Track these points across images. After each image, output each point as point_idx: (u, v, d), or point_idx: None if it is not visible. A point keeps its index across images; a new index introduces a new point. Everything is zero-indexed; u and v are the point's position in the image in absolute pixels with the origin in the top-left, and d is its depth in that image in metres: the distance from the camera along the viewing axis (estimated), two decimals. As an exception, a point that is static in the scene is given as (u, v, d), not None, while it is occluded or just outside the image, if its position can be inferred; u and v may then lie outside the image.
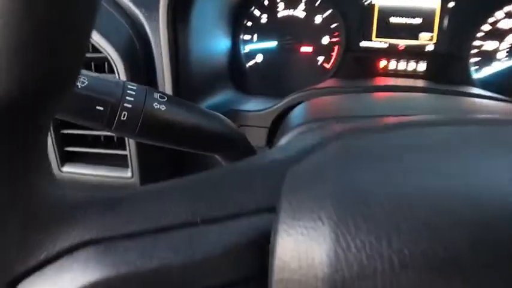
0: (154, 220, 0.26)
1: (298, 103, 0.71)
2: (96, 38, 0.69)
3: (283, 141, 0.49)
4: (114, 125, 0.42)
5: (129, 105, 0.41)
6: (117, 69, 0.68)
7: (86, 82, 0.40)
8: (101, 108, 0.40)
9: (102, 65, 0.73)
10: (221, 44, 0.93)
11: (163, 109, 0.43)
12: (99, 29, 0.69)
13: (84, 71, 0.42)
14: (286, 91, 0.81)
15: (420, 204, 0.20)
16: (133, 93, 0.42)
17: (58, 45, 0.23)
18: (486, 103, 0.62)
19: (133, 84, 0.43)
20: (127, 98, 0.41)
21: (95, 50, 0.69)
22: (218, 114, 0.51)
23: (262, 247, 0.24)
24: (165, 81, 0.70)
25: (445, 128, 0.29)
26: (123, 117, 0.41)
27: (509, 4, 0.91)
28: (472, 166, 0.24)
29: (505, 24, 0.92)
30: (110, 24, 0.72)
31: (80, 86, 0.40)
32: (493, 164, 0.23)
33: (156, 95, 0.43)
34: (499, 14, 0.92)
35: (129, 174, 0.76)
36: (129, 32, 0.73)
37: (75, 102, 0.40)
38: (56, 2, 0.21)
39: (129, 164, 0.75)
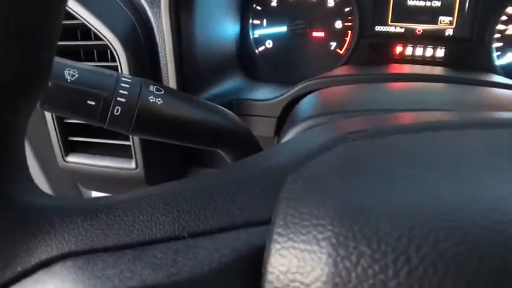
0: (136, 233, 0.24)
1: (309, 92, 0.68)
2: (97, 25, 0.66)
3: (287, 136, 0.46)
4: (107, 121, 0.39)
5: (123, 99, 0.39)
6: (118, 57, 0.66)
7: (77, 75, 0.38)
8: (93, 103, 0.38)
9: (105, 53, 0.70)
10: (229, 29, 0.90)
11: (159, 103, 0.40)
12: (100, 16, 0.67)
13: (75, 63, 0.40)
14: (297, 78, 0.77)
15: (432, 228, 0.18)
16: (128, 86, 0.39)
17: (23, 39, 0.20)
18: (509, 95, 0.58)
19: (127, 76, 0.41)
20: (120, 91, 0.39)
21: (97, 37, 0.67)
22: (220, 107, 0.48)
23: (255, 265, 0.22)
24: (169, 69, 0.68)
25: (463, 132, 0.26)
26: (117, 112, 0.39)
27: (537, -15, 0.86)
28: (487, 178, 0.21)
29: (530, 7, 0.87)
30: (111, 11, 0.69)
31: (69, 80, 0.38)
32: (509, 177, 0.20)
33: (152, 88, 0.41)
34: (525, -4, 0.87)
35: (133, 165, 0.74)
36: (131, 19, 0.70)
37: (65, 96, 0.38)
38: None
39: (133, 155, 0.73)
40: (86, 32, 0.69)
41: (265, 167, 0.26)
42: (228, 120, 0.47)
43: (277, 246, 0.20)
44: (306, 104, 0.58)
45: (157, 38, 0.70)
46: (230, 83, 0.87)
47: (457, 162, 0.23)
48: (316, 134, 0.32)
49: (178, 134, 0.43)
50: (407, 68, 0.85)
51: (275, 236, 0.20)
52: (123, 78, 0.41)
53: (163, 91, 0.41)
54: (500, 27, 0.89)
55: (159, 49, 0.70)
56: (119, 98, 0.39)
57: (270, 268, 0.20)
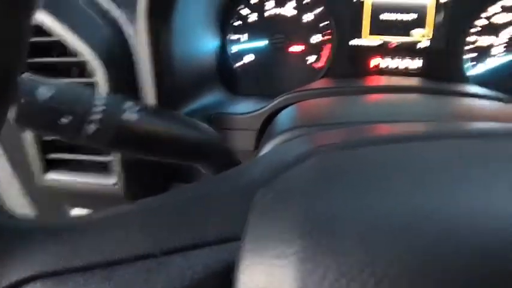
0: (107, 252, 0.23)
1: (288, 105, 0.69)
2: (75, 41, 0.66)
3: (265, 150, 0.46)
4: (82, 138, 0.39)
5: (99, 116, 0.39)
6: (96, 74, 0.66)
7: (51, 92, 0.38)
8: (67, 120, 0.38)
9: (83, 69, 0.70)
10: (208, 44, 0.90)
11: (135, 119, 0.40)
12: (77, 33, 0.67)
13: (51, 80, 0.40)
14: (277, 91, 0.78)
15: (397, 240, 0.18)
16: (103, 103, 0.39)
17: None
18: (481, 105, 0.59)
19: (103, 92, 0.41)
20: (96, 108, 0.39)
21: (74, 54, 0.66)
22: (198, 122, 0.48)
23: (227, 281, 0.22)
24: (147, 85, 0.68)
25: (433, 143, 0.27)
26: (92, 129, 0.38)
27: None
28: (454, 189, 0.21)
29: (500, 18, 0.90)
30: (89, 27, 0.69)
31: (44, 97, 0.37)
32: (481, 189, 0.21)
33: (128, 104, 0.41)
34: (494, 8, 0.89)
35: (112, 181, 0.74)
36: (110, 35, 0.70)
37: (40, 114, 0.37)
38: None
39: (113, 171, 0.72)
40: (64, 48, 0.69)
41: (239, 182, 0.26)
42: (205, 135, 0.47)
43: (247, 262, 0.20)
44: (284, 117, 0.58)
45: (135, 53, 0.70)
46: (210, 97, 0.87)
47: (425, 174, 0.23)
48: (291, 147, 0.32)
49: (156, 149, 0.43)
50: (383, 80, 0.87)
51: (244, 252, 0.20)
52: (98, 95, 0.40)
53: (139, 107, 0.41)
54: (471, 38, 0.92)
55: (137, 65, 0.70)
56: (94, 115, 0.39)
57: (240, 284, 0.20)
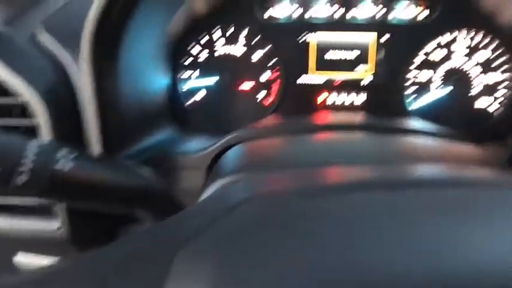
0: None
1: (235, 144, 0.70)
2: (16, 81, 0.64)
3: (204, 194, 0.47)
4: (12, 189, 0.38)
5: (29, 166, 0.37)
6: (38, 115, 0.64)
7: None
8: (-3, 171, 0.36)
9: (24, 110, 0.68)
10: (158, 82, 0.90)
11: (70, 167, 0.39)
12: (19, 73, 0.65)
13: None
14: (229, 129, 0.79)
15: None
16: (35, 152, 0.38)
17: None
18: (424, 144, 0.62)
19: (37, 141, 0.40)
20: (27, 158, 0.38)
21: (15, 94, 0.65)
22: (138, 168, 0.48)
23: None
24: (91, 126, 0.66)
25: (372, 193, 0.28)
26: (22, 180, 0.37)
27: (439, 36, 0.95)
28: (373, 247, 0.22)
29: (436, 55, 0.96)
30: (31, 68, 0.68)
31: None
32: (413, 244, 0.22)
33: (62, 153, 0.40)
34: (431, 45, 0.95)
35: (56, 225, 0.71)
36: (53, 76, 0.69)
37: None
38: None
39: (56, 215, 0.70)
40: (4, 88, 0.67)
41: (163, 239, 0.26)
42: (144, 181, 0.47)
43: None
44: (228, 158, 0.59)
45: (79, 94, 0.69)
46: (161, 136, 0.87)
47: (360, 229, 0.24)
48: (224, 196, 0.32)
49: (92, 198, 0.42)
50: (330, 116, 0.90)
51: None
52: (32, 143, 0.39)
53: (74, 155, 0.40)
54: (411, 74, 0.97)
55: (81, 106, 0.69)
56: (24, 166, 0.37)
57: None
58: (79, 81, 0.68)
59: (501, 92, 0.95)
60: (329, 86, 0.99)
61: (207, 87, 0.99)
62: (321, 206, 0.27)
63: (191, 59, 0.98)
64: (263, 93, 0.99)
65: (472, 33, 0.94)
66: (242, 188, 0.40)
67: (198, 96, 1.00)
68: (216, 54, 0.98)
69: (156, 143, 0.82)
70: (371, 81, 0.98)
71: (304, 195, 0.29)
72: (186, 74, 0.99)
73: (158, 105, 0.90)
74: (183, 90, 0.99)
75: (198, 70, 0.99)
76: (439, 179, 0.32)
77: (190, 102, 1.00)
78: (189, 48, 0.98)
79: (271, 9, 0.97)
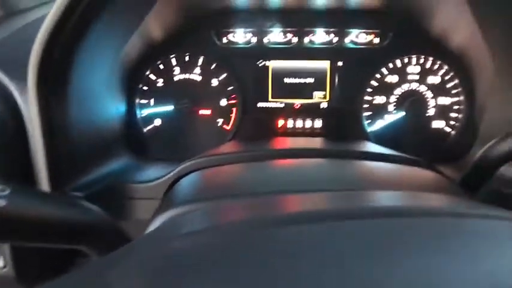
0: None
1: (193, 171, 0.68)
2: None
3: (153, 225, 0.45)
4: None
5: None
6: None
7: None
8: None
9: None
10: (114, 108, 0.88)
11: (3, 204, 0.37)
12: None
13: None
14: (188, 155, 0.77)
15: None
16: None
17: None
18: (381, 170, 0.63)
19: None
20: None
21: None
22: (80, 201, 0.46)
23: None
24: (39, 156, 0.64)
25: (315, 227, 0.27)
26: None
27: (391, 61, 0.98)
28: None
29: (390, 79, 0.98)
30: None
31: None
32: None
33: (-5, 190, 0.37)
34: (384, 71, 0.98)
35: (1, 263, 0.66)
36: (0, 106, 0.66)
37: None
38: None
39: (0, 253, 0.66)
40: None
41: (102, 274, 0.24)
42: (90, 215, 0.45)
43: None
44: (180, 188, 0.57)
45: (27, 125, 0.66)
46: (115, 165, 0.84)
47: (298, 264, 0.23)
48: (169, 229, 0.31)
49: (30, 235, 0.39)
50: (289, 142, 0.90)
51: None
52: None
53: (8, 191, 0.38)
54: (367, 98, 0.99)
55: (29, 137, 0.66)
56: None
57: None
58: (27, 111, 0.65)
59: (454, 114, 0.98)
60: (288, 111, 1.00)
61: (165, 113, 0.98)
62: (273, 238, 0.27)
63: (149, 84, 0.97)
64: (223, 118, 0.98)
65: (422, 59, 0.97)
66: (191, 220, 0.39)
67: (157, 123, 0.98)
68: (174, 79, 0.98)
69: (110, 173, 0.79)
70: (328, 106, 1.00)
71: (252, 227, 0.28)
72: (143, 100, 0.98)
73: (113, 133, 0.88)
74: (141, 116, 0.98)
75: (156, 96, 0.98)
76: (393, 210, 0.32)
77: (148, 128, 0.98)
78: (146, 74, 0.97)
79: (229, 35, 0.98)
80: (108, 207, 0.77)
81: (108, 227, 0.45)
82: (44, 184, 0.65)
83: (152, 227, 0.46)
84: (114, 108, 0.88)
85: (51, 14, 0.58)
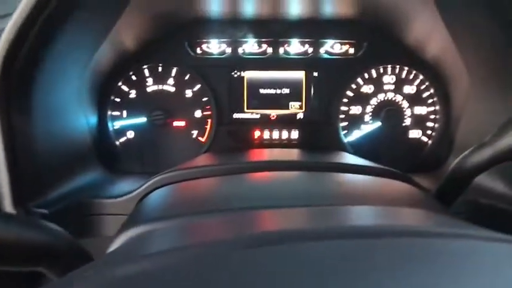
0: None
1: (164, 185, 0.66)
2: None
3: (113, 246, 0.43)
4: None
5: None
6: None
7: None
8: None
9: None
10: (83, 121, 0.85)
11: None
12: None
13: None
14: (161, 168, 0.75)
15: None
16: None
17: None
18: (358, 184, 0.61)
19: None
20: None
21: None
22: (38, 221, 0.43)
23: None
24: (1, 173, 0.60)
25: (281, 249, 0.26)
26: None
27: (366, 71, 0.97)
28: None
29: (366, 89, 0.98)
30: None
31: None
32: None
33: None
34: (360, 81, 0.98)
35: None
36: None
37: None
38: None
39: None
40: None
41: None
42: (47, 235, 0.42)
43: None
44: (147, 203, 0.55)
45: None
46: (85, 179, 0.81)
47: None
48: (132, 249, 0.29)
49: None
50: (265, 153, 0.88)
51: None
52: None
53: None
54: (344, 108, 0.98)
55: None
56: None
57: None
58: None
59: (430, 124, 0.98)
60: (264, 122, 0.98)
61: (138, 125, 0.95)
62: (247, 260, 0.25)
63: (121, 96, 0.95)
64: (197, 130, 0.96)
65: (397, 69, 0.97)
66: (155, 240, 0.37)
67: (129, 135, 0.95)
68: (147, 90, 0.95)
69: (78, 188, 0.76)
70: (304, 116, 0.99)
71: (223, 248, 0.27)
72: (115, 112, 0.95)
73: (83, 146, 0.84)
74: (113, 129, 0.95)
75: (129, 107, 0.95)
76: (368, 231, 0.31)
77: (120, 141, 0.95)
78: (118, 85, 0.94)
79: (203, 45, 0.96)
80: (75, 224, 0.74)
81: (69, 247, 0.43)
82: (7, 201, 0.61)
83: (114, 245, 0.43)
84: (85, 120, 0.85)
85: (10, 25, 0.55)
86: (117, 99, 0.95)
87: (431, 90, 0.97)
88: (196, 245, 0.28)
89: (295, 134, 0.98)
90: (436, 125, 0.98)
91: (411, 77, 0.97)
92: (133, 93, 0.95)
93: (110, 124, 0.94)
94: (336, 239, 0.29)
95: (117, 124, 0.95)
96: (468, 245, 0.28)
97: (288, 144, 0.98)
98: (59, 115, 0.75)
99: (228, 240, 0.29)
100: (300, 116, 0.99)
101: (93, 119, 0.90)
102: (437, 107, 0.97)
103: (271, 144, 0.97)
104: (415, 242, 0.28)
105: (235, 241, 0.28)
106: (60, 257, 0.42)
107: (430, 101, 0.97)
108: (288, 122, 0.98)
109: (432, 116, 0.98)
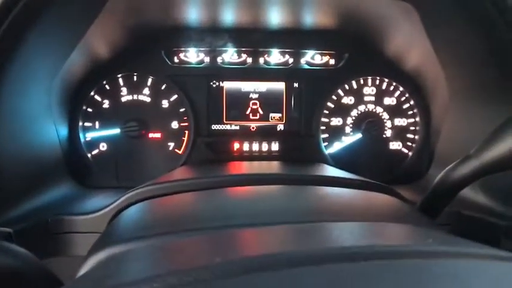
0: None
1: (139, 200, 0.62)
2: None
3: (83, 268, 0.39)
4: None
5: None
6: None
7: None
8: None
9: None
10: (52, 133, 0.80)
11: None
12: None
13: None
14: (136, 182, 0.71)
15: None
16: None
17: None
18: (339, 198, 0.59)
19: None
20: None
21: None
22: (6, 244, 0.39)
23: None
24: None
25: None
26: None
27: (346, 82, 0.96)
28: None
29: (347, 101, 0.97)
30: None
31: None
32: None
33: None
34: (340, 92, 0.97)
35: None
36: None
37: None
38: None
39: None
40: None
41: None
42: (10, 258, 0.38)
43: None
44: (121, 222, 0.51)
45: None
46: (54, 195, 0.76)
47: None
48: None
49: None
50: (245, 166, 0.85)
51: None
52: None
53: None
54: (324, 119, 0.97)
55: None
56: None
57: None
58: None
59: (410, 136, 0.98)
60: (244, 134, 0.96)
61: (111, 137, 0.91)
62: None
63: (93, 106, 0.90)
64: (174, 142, 0.93)
65: (378, 80, 0.97)
66: (127, 264, 0.34)
67: (102, 147, 0.91)
68: (121, 100, 0.91)
69: (46, 204, 0.71)
70: (285, 128, 0.97)
71: (202, 277, 0.24)
72: (87, 123, 0.91)
73: (52, 160, 0.80)
74: (85, 141, 0.90)
75: (102, 118, 0.91)
76: (357, 252, 0.29)
77: (93, 153, 0.91)
78: (91, 94, 0.90)
79: (181, 54, 0.94)
80: (43, 243, 0.69)
81: (36, 272, 0.39)
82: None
83: (84, 268, 0.40)
84: (55, 132, 0.80)
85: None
86: (90, 110, 0.91)
87: (412, 102, 0.97)
88: (173, 274, 0.25)
89: (275, 146, 0.96)
90: (417, 137, 0.97)
91: (391, 88, 0.97)
92: (106, 103, 0.91)
93: (81, 136, 0.90)
94: (327, 263, 0.26)
95: (89, 136, 0.91)
96: (466, 264, 0.27)
97: (268, 156, 0.95)
98: (26, 126, 0.70)
99: (206, 267, 0.26)
100: (281, 127, 0.97)
101: (63, 131, 0.85)
102: (418, 119, 0.97)
103: (251, 156, 0.95)
104: (412, 263, 0.26)
105: (214, 269, 0.25)
106: (26, 282, 0.38)
107: (410, 112, 0.97)
108: (268, 133, 0.96)
109: (412, 128, 0.98)
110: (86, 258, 0.43)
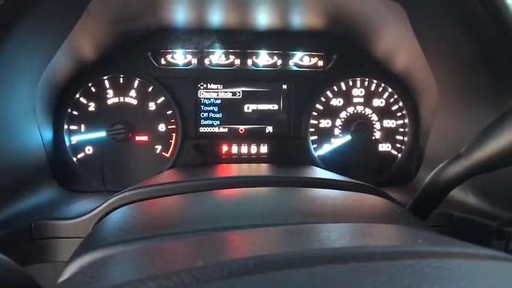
0: None
1: (123, 204, 0.60)
2: None
3: (65, 274, 0.38)
4: None
5: None
6: None
7: None
8: None
9: None
10: (37, 137, 0.78)
11: None
12: None
13: None
14: (122, 186, 0.69)
15: None
16: None
17: None
18: (329, 200, 0.58)
19: None
20: None
21: None
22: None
23: None
24: None
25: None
26: None
27: (335, 84, 0.96)
28: None
29: (336, 101, 0.97)
30: None
31: None
32: None
33: None
34: (329, 94, 0.96)
35: None
36: None
37: None
38: None
39: None
40: None
41: None
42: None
43: None
44: (106, 226, 0.50)
45: None
46: (38, 199, 0.74)
47: None
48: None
49: None
50: (234, 169, 0.84)
51: None
52: None
53: None
54: (313, 121, 0.96)
55: None
56: None
57: None
58: None
59: (399, 137, 0.97)
60: (232, 136, 0.94)
61: (97, 140, 0.89)
62: None
63: (79, 108, 0.89)
64: (161, 145, 0.91)
65: (367, 82, 0.96)
66: (110, 269, 0.32)
67: (88, 150, 0.89)
68: (107, 103, 0.90)
69: (30, 209, 0.69)
70: (274, 130, 0.96)
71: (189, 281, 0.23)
72: (73, 126, 0.89)
73: (36, 164, 0.77)
74: (70, 144, 0.88)
75: (87, 121, 0.89)
76: (350, 253, 0.28)
77: (78, 157, 0.89)
78: (76, 96, 0.88)
79: (168, 55, 0.92)
80: (25, 249, 0.67)
81: (16, 279, 0.37)
82: None
83: (66, 274, 0.38)
84: (39, 135, 0.78)
85: None
86: (75, 112, 0.89)
87: (400, 103, 0.96)
88: (154, 278, 0.24)
89: (264, 149, 0.95)
90: (406, 138, 0.97)
91: (380, 90, 0.97)
92: (92, 106, 0.89)
93: (66, 139, 0.88)
94: (317, 265, 0.26)
95: (75, 139, 0.89)
96: (461, 264, 0.26)
97: (257, 159, 0.94)
98: (8, 129, 0.68)
99: (187, 271, 0.25)
100: (269, 129, 0.96)
101: (48, 134, 0.83)
102: (407, 120, 0.97)
103: (240, 159, 0.94)
104: (404, 264, 0.26)
105: (196, 273, 0.24)
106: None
107: (399, 114, 0.97)
108: (257, 136, 0.95)
109: (401, 129, 0.97)
110: (68, 263, 0.42)
